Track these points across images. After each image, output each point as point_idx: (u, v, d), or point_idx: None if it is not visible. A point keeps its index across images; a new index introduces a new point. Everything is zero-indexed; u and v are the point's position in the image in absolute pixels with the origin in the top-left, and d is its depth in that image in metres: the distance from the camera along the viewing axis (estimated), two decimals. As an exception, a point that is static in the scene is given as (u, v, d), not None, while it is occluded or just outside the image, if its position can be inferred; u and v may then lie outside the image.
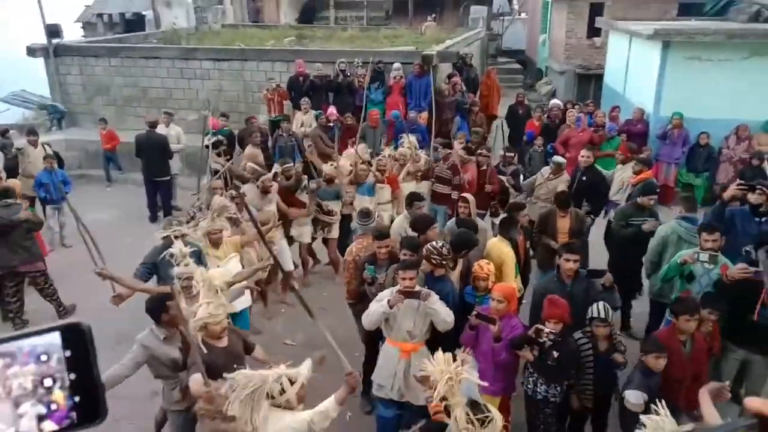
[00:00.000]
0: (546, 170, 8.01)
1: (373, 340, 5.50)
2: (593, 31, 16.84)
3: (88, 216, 6.86)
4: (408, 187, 8.02)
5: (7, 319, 7.08)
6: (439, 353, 3.51)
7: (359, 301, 5.58)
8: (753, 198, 5.77)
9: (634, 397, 4.20)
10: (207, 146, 8.47)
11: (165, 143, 9.99)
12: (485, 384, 3.73)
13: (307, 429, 3.32)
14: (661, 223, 6.39)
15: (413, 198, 6.63)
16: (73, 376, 0.66)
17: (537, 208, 7.55)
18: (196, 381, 3.70)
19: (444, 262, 4.99)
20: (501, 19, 23.97)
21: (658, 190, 7.10)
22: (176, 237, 5.30)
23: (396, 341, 4.86)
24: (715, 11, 14.44)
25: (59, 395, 0.66)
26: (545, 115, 11.27)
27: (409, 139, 8.56)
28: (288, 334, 6.91)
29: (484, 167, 8.02)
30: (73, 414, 0.66)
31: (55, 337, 0.66)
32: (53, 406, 0.65)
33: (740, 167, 9.78)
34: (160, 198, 10.24)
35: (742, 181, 6.21)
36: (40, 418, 0.64)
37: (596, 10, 16.55)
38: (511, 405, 5.08)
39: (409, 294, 4.60)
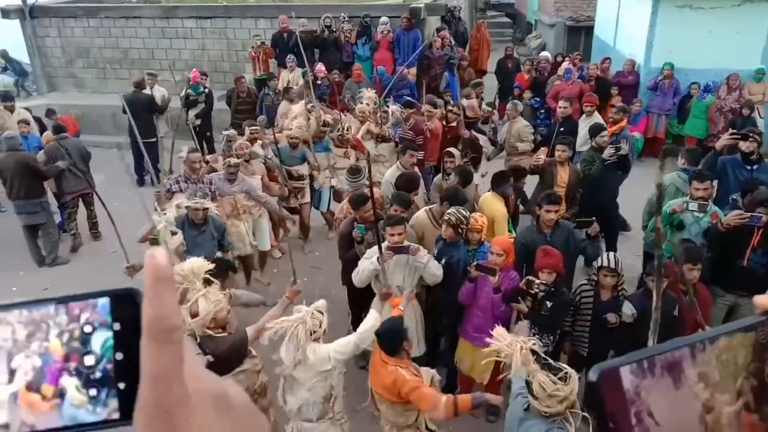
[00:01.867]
0: (506, 122, 8.10)
1: (359, 299, 5.47)
2: (583, -18, 16.51)
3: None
4: (368, 146, 7.72)
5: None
6: (498, 329, 3.53)
7: (350, 262, 5.53)
8: (744, 146, 5.78)
9: (627, 308, 4.42)
10: (185, 106, 8.33)
11: (152, 102, 9.81)
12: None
13: (352, 347, 3.85)
14: (620, 146, 6.50)
15: (406, 147, 6.57)
16: (120, 356, 0.51)
17: (512, 161, 7.62)
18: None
19: (462, 227, 4.91)
20: (489, -29, 23.43)
21: (605, 127, 7.13)
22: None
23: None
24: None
25: (99, 379, 0.51)
26: (534, 68, 11.13)
27: (369, 95, 8.21)
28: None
29: (454, 123, 7.90)
30: (115, 403, 0.51)
31: (104, 305, 0.52)
32: (92, 392, 0.50)
33: (731, 117, 9.74)
34: (148, 160, 10.06)
35: (734, 131, 6.21)
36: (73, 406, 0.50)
37: (586, -40, 16.19)
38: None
39: (398, 249, 4.60)
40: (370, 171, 4.70)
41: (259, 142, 7.51)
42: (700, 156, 6.34)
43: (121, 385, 0.51)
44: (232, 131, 7.69)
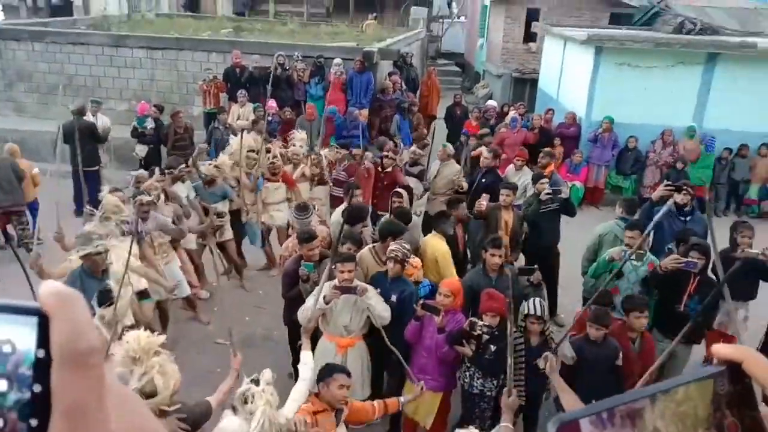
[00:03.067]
0: (437, 163, 8.13)
1: (297, 335, 5.32)
2: (529, 36, 17.26)
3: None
4: (302, 188, 7.77)
5: None
6: None
7: (293, 303, 5.40)
8: (679, 198, 6.05)
9: (567, 350, 4.40)
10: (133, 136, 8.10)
11: (93, 130, 9.53)
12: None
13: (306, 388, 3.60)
14: (560, 189, 6.72)
15: (350, 187, 6.59)
16: (38, 388, 0.43)
17: (438, 203, 7.56)
18: None
19: (406, 261, 4.94)
20: (441, 21, 24.24)
21: (545, 175, 7.21)
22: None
23: (333, 336, 4.79)
24: (643, 21, 15.07)
25: (10, 411, 0.43)
26: (482, 116, 11.47)
27: (302, 136, 8.23)
28: (221, 334, 6.70)
29: (389, 169, 7.76)
30: None
31: (30, 324, 0.43)
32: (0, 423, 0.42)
33: (665, 170, 10.25)
34: (87, 190, 9.73)
35: (669, 182, 6.52)
36: None
37: (532, 15, 16.97)
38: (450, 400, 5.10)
39: (345, 289, 4.53)
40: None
41: (185, 182, 7.09)
42: (636, 205, 6.61)
43: (33, 422, 0.42)
44: (142, 172, 7.25)
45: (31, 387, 0.43)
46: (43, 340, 0.43)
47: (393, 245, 4.93)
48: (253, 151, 7.59)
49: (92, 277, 4.83)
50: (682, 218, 6.17)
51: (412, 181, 8.10)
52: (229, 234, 7.42)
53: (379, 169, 7.85)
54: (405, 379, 4.98)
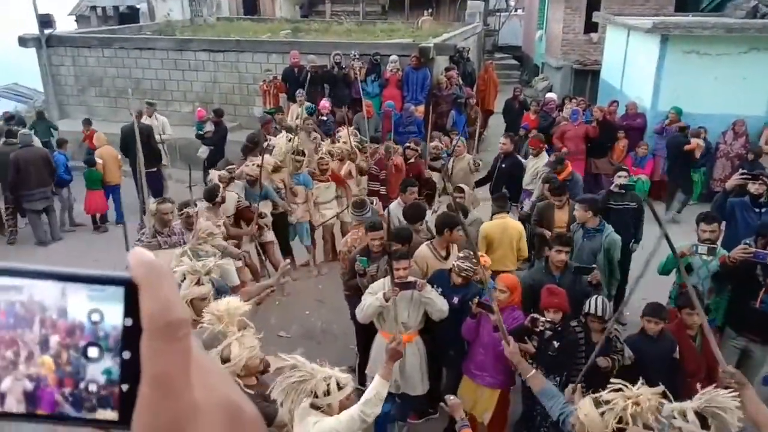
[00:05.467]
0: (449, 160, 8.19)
1: (367, 332, 5.40)
2: (590, 27, 16.78)
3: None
4: (351, 184, 7.84)
5: None
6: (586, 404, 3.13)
7: (354, 293, 5.49)
8: (754, 188, 5.78)
9: (625, 351, 4.37)
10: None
11: (150, 133, 9.86)
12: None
13: (358, 423, 3.09)
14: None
15: (407, 184, 6.57)
16: (127, 354, 0.45)
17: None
18: None
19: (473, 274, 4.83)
20: (498, 14, 23.89)
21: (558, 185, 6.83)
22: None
23: (390, 333, 4.78)
24: (712, 7, 14.41)
25: (102, 377, 0.45)
26: (541, 109, 11.23)
27: (344, 132, 8.18)
28: (282, 326, 6.83)
29: (412, 160, 7.96)
30: (114, 405, 0.44)
31: (117, 294, 0.45)
32: (92, 388, 0.44)
33: (737, 162, 9.75)
34: (150, 190, 10.14)
35: (745, 171, 6.22)
36: (71, 401, 0.44)
37: (593, 6, 16.49)
38: (510, 397, 5.02)
39: (404, 285, 4.52)
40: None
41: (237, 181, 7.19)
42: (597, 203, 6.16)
43: (124, 387, 0.45)
44: (222, 173, 7.14)
45: (120, 353, 0.45)
46: (130, 308, 0.45)
47: (464, 264, 4.77)
48: (298, 153, 7.52)
49: None
50: (757, 210, 5.86)
51: (435, 176, 8.12)
52: (270, 236, 7.31)
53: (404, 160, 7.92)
54: (461, 377, 4.94)
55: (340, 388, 3.08)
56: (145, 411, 0.41)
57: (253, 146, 7.97)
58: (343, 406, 3.12)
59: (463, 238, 5.13)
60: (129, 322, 0.45)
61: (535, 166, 8.03)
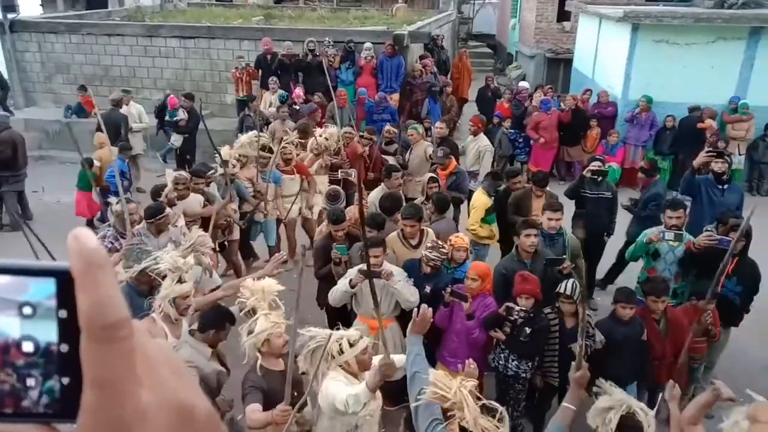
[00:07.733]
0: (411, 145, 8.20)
1: (339, 320, 5.36)
2: (563, 16, 16.91)
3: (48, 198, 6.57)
4: (320, 180, 7.51)
5: None
6: (435, 372, 3.01)
7: (327, 282, 5.44)
8: (716, 166, 6.04)
9: (596, 335, 4.42)
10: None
11: (125, 121, 9.76)
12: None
13: (341, 407, 3.20)
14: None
15: (390, 170, 6.55)
16: (65, 348, 0.42)
17: (414, 183, 7.65)
18: (254, 411, 3.28)
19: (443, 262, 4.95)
20: (472, 2, 23.90)
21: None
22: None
23: (365, 318, 4.83)
24: (681, -3, 14.63)
25: (39, 371, 0.43)
26: (514, 97, 11.30)
27: (331, 131, 7.85)
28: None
29: (366, 149, 7.81)
30: (55, 398, 0.43)
31: (48, 286, 0.42)
32: (30, 382, 0.42)
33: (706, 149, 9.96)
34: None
35: (711, 150, 6.54)
36: (8, 396, 0.42)
37: (566, -5, 16.61)
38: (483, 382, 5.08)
39: (369, 273, 4.53)
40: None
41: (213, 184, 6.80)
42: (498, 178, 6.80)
43: (65, 380, 0.42)
44: (181, 174, 6.53)
45: (58, 347, 0.43)
46: (64, 300, 0.42)
47: (432, 253, 4.82)
48: (265, 149, 7.11)
49: (137, 296, 4.36)
50: (720, 186, 6.23)
51: (390, 161, 7.95)
52: (235, 234, 6.90)
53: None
54: (436, 363, 4.99)
55: (351, 345, 3.39)
56: (89, 416, 0.39)
57: (304, 135, 7.81)
58: (360, 361, 3.40)
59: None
60: (63, 314, 0.43)
61: (477, 147, 8.27)
